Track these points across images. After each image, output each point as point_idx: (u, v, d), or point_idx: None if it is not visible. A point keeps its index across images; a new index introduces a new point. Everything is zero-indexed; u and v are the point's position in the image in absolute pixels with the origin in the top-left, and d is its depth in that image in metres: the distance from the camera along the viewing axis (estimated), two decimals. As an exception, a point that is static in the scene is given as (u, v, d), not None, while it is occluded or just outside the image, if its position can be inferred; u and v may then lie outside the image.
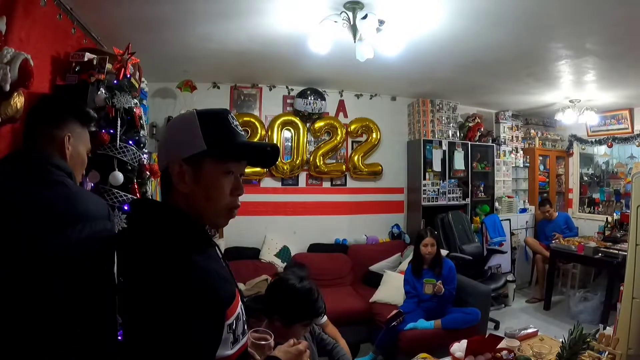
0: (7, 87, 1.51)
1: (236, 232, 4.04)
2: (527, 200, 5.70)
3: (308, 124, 4.36)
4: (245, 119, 4.13)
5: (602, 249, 4.04)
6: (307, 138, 4.34)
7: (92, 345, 1.11)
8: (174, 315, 0.72)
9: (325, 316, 2.23)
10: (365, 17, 2.29)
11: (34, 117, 1.27)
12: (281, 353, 1.07)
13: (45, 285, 1.01)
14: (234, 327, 0.84)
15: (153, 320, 0.73)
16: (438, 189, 4.65)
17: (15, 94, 1.56)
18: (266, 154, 0.95)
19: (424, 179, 4.61)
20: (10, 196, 1.04)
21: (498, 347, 1.95)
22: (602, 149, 5.71)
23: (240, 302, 0.89)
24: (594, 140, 5.63)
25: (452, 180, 4.76)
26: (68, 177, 1.17)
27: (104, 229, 1.15)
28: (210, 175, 0.86)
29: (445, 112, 4.84)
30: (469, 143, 4.94)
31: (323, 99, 4.36)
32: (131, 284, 0.81)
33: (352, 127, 4.53)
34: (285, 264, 3.98)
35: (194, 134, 0.85)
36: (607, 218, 4.82)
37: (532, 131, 5.91)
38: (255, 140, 4.12)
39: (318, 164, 4.36)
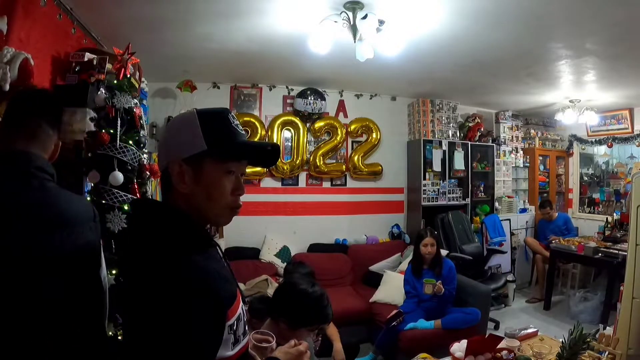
0: (7, 87, 1.51)
1: (236, 232, 4.04)
2: (527, 200, 5.70)
3: (308, 124, 4.36)
4: (245, 119, 4.13)
5: (602, 249, 4.03)
6: (307, 138, 4.33)
7: (92, 345, 1.10)
8: (174, 316, 0.72)
9: None
10: (365, 17, 2.29)
11: (33, 112, 1.15)
12: (281, 354, 1.07)
13: (45, 286, 1.01)
14: (234, 327, 0.83)
15: (153, 320, 0.73)
16: (438, 189, 4.65)
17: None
18: (267, 154, 0.95)
19: (424, 179, 4.61)
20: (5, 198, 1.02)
21: (498, 347, 1.95)
22: (602, 149, 5.71)
23: (241, 303, 0.89)
24: (594, 140, 5.62)
25: (452, 180, 4.76)
26: (51, 179, 1.10)
27: (84, 233, 1.10)
28: (211, 175, 0.85)
29: (445, 112, 4.84)
30: (469, 143, 4.94)
31: (323, 99, 4.36)
32: (131, 284, 0.80)
33: (352, 127, 4.53)
34: (285, 264, 3.98)
35: (194, 134, 0.84)
36: (607, 218, 4.82)
37: (532, 131, 5.91)
38: (256, 140, 4.12)
39: (318, 164, 4.36)
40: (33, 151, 1.10)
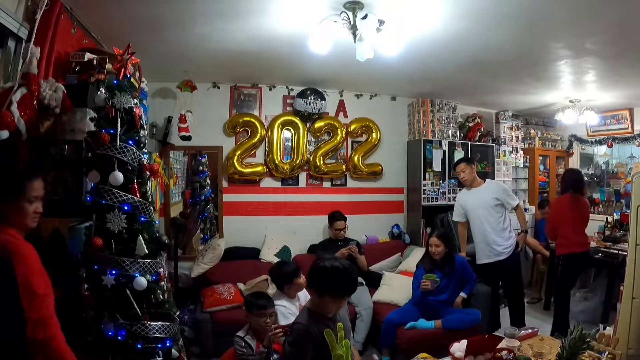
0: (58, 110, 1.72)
1: (236, 232, 4.04)
2: (527, 200, 5.70)
3: (308, 124, 4.36)
4: (245, 119, 4.13)
5: (602, 249, 4.04)
6: (307, 138, 4.33)
7: None
8: None
9: None
10: (365, 17, 2.29)
11: None
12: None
13: None
14: None
15: None
16: (438, 189, 4.65)
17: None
18: None
19: (424, 179, 4.60)
20: None
21: (498, 347, 1.95)
22: (602, 149, 5.70)
23: None
24: (594, 140, 5.62)
25: (452, 180, 4.76)
26: None
27: None
28: None
29: (445, 112, 4.84)
30: (469, 143, 4.94)
31: (323, 99, 4.36)
32: None
33: (352, 127, 4.53)
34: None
35: None
36: (607, 218, 4.81)
37: (532, 131, 5.91)
38: (255, 140, 4.13)
39: (318, 164, 4.36)
40: None
